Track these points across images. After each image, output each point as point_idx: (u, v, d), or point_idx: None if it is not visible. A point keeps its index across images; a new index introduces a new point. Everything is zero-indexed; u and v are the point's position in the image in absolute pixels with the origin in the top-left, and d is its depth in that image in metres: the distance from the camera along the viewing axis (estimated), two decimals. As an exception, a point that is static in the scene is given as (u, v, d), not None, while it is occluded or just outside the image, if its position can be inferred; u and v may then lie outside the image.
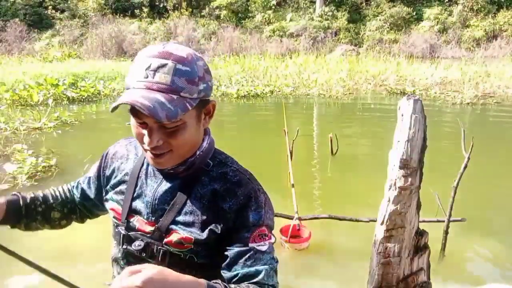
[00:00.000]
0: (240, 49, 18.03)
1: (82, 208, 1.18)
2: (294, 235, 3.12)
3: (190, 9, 20.76)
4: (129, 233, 1.00)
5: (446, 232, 2.89)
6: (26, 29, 19.98)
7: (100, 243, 2.61)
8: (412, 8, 19.27)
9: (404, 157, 1.65)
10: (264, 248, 0.92)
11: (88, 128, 6.92)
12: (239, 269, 0.90)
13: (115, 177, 1.07)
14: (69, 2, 21.80)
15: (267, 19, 20.28)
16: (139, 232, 0.99)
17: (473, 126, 7.52)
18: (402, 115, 1.69)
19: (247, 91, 10.36)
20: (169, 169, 0.95)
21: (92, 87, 9.90)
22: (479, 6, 18.45)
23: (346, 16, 19.43)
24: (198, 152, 0.95)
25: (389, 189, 1.72)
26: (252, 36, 19.10)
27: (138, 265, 0.72)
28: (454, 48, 17.66)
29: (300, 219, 3.13)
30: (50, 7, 21.23)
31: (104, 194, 1.10)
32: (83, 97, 9.34)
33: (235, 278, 0.90)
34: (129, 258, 1.02)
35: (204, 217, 0.93)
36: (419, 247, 1.80)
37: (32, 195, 1.12)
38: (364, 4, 20.20)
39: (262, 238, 0.93)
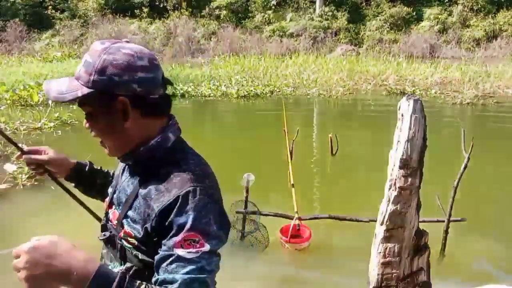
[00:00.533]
0: (240, 49, 18.00)
1: None
2: (294, 235, 3.13)
3: (190, 9, 20.72)
4: (105, 223, 1.08)
5: (446, 232, 2.90)
6: (26, 29, 19.95)
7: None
8: (412, 8, 19.23)
9: (404, 157, 1.65)
10: (190, 256, 0.83)
11: (88, 128, 6.93)
12: (160, 274, 0.85)
13: (115, 171, 1.21)
14: (69, 2, 21.78)
15: (267, 19, 20.26)
16: (110, 223, 1.05)
17: (473, 126, 7.53)
18: (402, 115, 1.69)
19: (247, 91, 10.37)
20: (126, 163, 1.03)
21: (92, 87, 9.89)
22: (479, 6, 18.42)
23: (346, 16, 19.40)
24: (141, 148, 0.96)
25: (389, 189, 1.72)
26: (252, 36, 19.08)
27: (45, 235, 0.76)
28: (454, 48, 17.63)
29: (300, 219, 3.14)
30: (50, 7, 21.20)
31: None
32: (83, 97, 9.33)
33: (157, 283, 0.85)
34: (107, 246, 1.08)
35: (143, 215, 0.93)
36: (419, 247, 1.80)
37: (99, 168, 1.30)
38: (364, 4, 20.18)
39: (190, 244, 0.84)
